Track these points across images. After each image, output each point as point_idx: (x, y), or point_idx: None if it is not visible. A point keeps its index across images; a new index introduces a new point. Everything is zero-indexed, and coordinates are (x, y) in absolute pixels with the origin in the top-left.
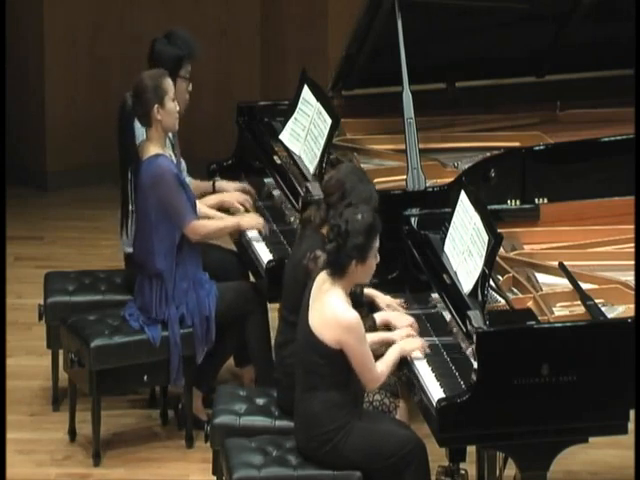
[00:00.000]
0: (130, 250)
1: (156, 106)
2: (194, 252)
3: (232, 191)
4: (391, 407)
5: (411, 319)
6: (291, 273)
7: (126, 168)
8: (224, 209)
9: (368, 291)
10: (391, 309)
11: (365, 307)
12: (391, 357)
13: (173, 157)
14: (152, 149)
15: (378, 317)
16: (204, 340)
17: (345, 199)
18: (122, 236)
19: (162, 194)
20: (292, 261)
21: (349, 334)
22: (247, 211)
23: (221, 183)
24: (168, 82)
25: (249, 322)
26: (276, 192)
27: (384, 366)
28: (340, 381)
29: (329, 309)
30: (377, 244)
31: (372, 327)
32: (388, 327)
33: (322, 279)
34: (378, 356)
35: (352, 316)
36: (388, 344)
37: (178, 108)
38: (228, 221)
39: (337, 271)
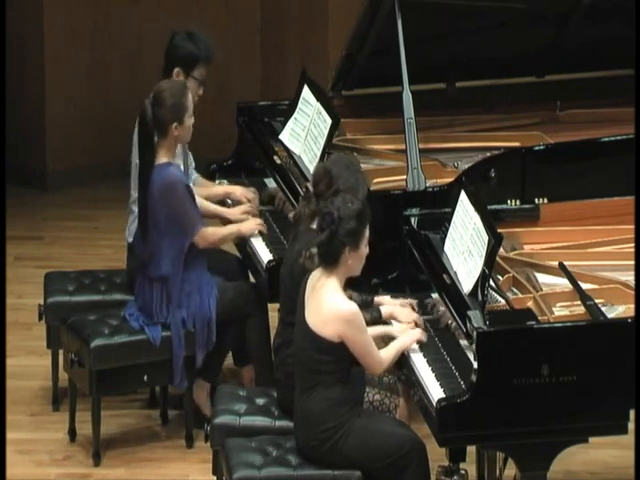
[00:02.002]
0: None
1: (175, 124)
2: (202, 257)
3: (240, 191)
4: (391, 407)
5: (415, 315)
6: (287, 273)
7: (146, 173)
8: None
9: (378, 299)
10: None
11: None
12: (392, 349)
13: (181, 166)
14: (162, 157)
15: (384, 310)
16: (204, 343)
17: (332, 186)
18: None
19: (173, 203)
20: (288, 261)
21: (349, 326)
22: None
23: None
24: (188, 98)
25: (249, 322)
26: (273, 186)
27: (386, 355)
28: (341, 378)
29: (326, 304)
30: (367, 233)
31: (377, 319)
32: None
33: (316, 276)
34: None
35: (351, 308)
36: (387, 338)
37: (193, 121)
38: (232, 228)
39: (330, 261)
